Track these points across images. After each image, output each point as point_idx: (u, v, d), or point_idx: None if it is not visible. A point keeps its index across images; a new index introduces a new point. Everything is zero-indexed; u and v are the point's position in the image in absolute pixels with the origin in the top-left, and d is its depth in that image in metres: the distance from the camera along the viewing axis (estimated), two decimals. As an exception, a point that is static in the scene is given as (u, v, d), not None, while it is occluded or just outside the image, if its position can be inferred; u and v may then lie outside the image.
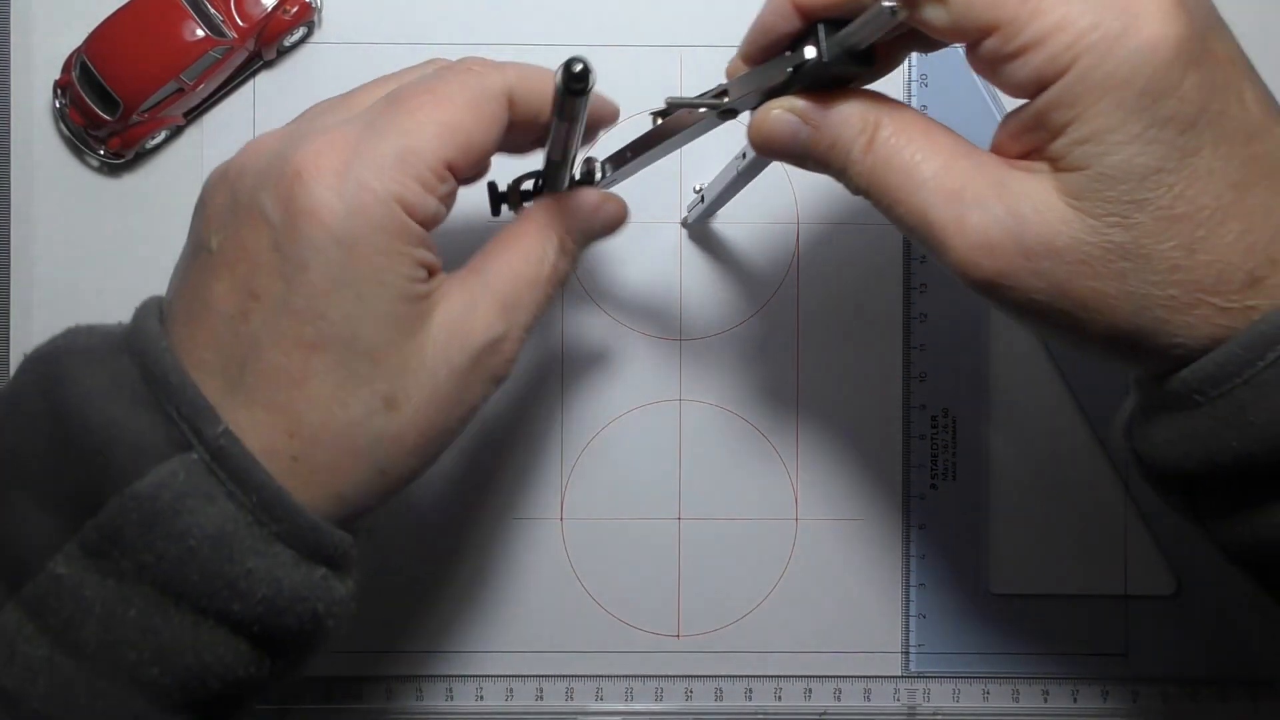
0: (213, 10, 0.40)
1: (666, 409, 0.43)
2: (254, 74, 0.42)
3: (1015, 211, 0.27)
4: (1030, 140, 0.27)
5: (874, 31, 0.27)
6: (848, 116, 0.29)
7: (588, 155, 0.34)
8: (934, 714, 0.43)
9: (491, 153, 0.31)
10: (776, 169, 0.42)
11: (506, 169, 0.34)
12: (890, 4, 0.25)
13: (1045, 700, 0.43)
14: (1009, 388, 0.43)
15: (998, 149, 0.28)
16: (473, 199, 0.43)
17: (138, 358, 0.28)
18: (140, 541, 0.27)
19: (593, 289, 0.43)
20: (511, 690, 0.43)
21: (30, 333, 0.42)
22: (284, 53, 0.42)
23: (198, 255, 0.30)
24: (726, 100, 0.31)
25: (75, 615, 0.27)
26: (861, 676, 0.43)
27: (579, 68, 0.26)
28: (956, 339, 0.43)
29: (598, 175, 0.34)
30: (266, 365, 0.28)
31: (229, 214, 0.29)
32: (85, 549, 0.27)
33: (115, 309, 0.42)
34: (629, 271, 0.43)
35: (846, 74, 0.29)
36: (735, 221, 0.43)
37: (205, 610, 0.27)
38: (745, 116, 0.31)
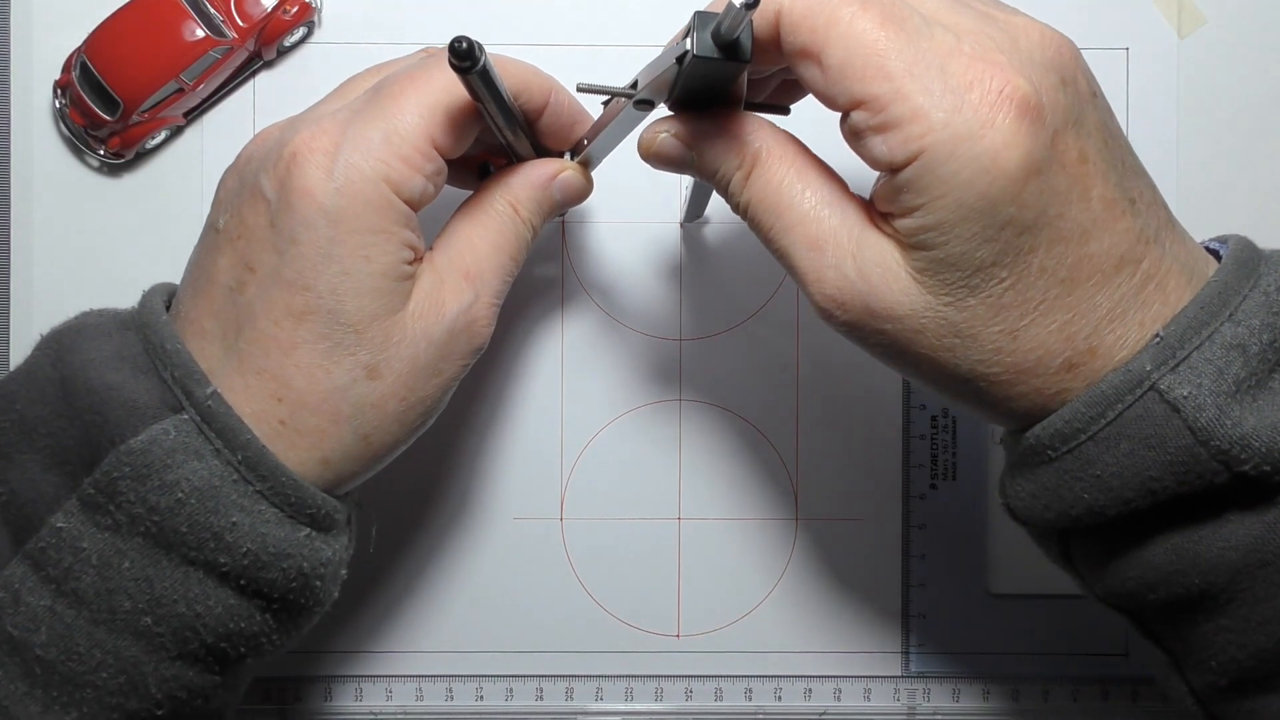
0: (213, 10, 0.40)
1: (666, 409, 0.43)
2: (254, 74, 0.42)
3: (865, 275, 0.29)
4: (889, 209, 0.28)
5: (734, 25, 0.27)
6: (728, 147, 0.30)
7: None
8: (934, 714, 0.43)
9: (474, 131, 0.33)
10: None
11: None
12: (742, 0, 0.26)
13: (1045, 700, 0.43)
14: (1009, 388, 0.43)
15: (872, 199, 0.29)
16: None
17: (141, 331, 0.31)
18: (133, 493, 0.29)
19: (593, 290, 0.43)
20: (511, 690, 0.43)
21: (30, 332, 0.42)
22: (284, 53, 0.42)
23: (208, 236, 0.32)
24: (635, 90, 0.31)
25: (74, 566, 0.29)
26: (861, 676, 0.43)
27: (463, 45, 0.28)
28: (956, 339, 0.43)
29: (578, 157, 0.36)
30: (258, 333, 0.30)
31: (235, 196, 0.32)
32: (84, 503, 0.29)
33: (115, 307, 0.42)
34: (629, 271, 0.43)
35: (725, 72, 0.29)
36: (735, 221, 0.43)
37: (194, 561, 0.29)
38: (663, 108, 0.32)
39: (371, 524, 0.38)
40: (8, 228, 0.42)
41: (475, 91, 0.30)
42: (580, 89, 0.31)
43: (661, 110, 0.32)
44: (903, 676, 0.43)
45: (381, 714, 0.43)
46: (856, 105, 0.27)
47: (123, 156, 0.42)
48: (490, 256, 0.33)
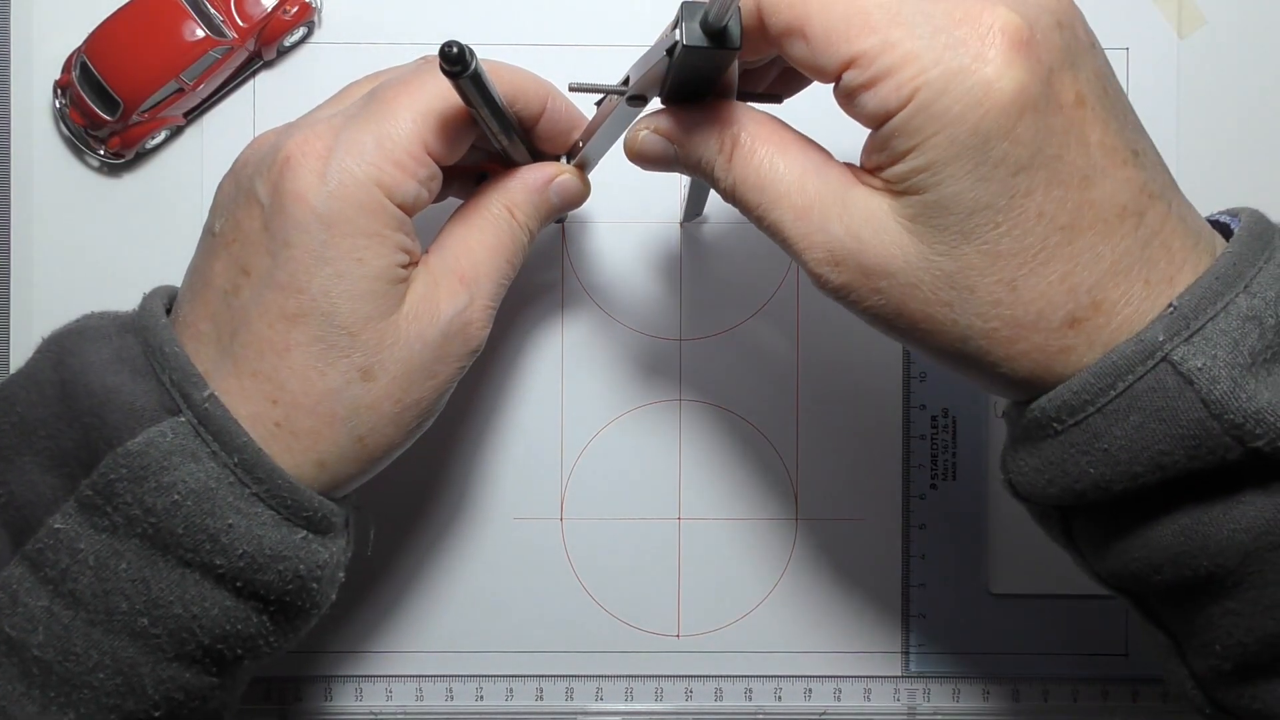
0: (213, 10, 0.40)
1: (666, 409, 0.43)
2: (254, 74, 0.42)
3: (854, 232, 0.28)
4: (877, 162, 0.28)
5: (721, 12, 0.27)
6: (707, 134, 0.30)
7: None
8: (934, 714, 0.43)
9: (469, 138, 0.33)
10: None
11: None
12: None
13: (1045, 700, 0.43)
14: (1009, 388, 0.43)
15: (862, 155, 0.29)
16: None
17: (140, 334, 0.31)
18: (130, 495, 0.29)
19: (593, 289, 0.43)
20: (511, 690, 0.43)
21: (30, 332, 0.42)
22: (284, 53, 0.42)
23: (205, 240, 0.32)
24: (627, 87, 0.31)
25: (71, 567, 0.29)
26: (861, 676, 0.43)
27: (453, 50, 0.28)
28: (956, 339, 0.43)
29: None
30: (253, 335, 0.30)
31: (231, 201, 0.32)
32: (81, 505, 0.30)
33: (115, 308, 0.42)
34: (629, 271, 0.43)
35: (716, 61, 0.29)
36: (735, 221, 0.43)
37: (190, 563, 0.29)
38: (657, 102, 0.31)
39: (370, 527, 0.38)
40: (8, 228, 0.42)
41: (467, 96, 0.30)
42: (572, 88, 0.31)
43: (656, 105, 0.32)
44: (903, 676, 0.43)
45: (381, 714, 0.43)
46: (846, 66, 0.27)
47: (123, 156, 0.42)
48: (486, 260, 0.33)
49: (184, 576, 0.29)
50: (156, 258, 0.42)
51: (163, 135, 0.42)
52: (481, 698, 0.43)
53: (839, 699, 0.43)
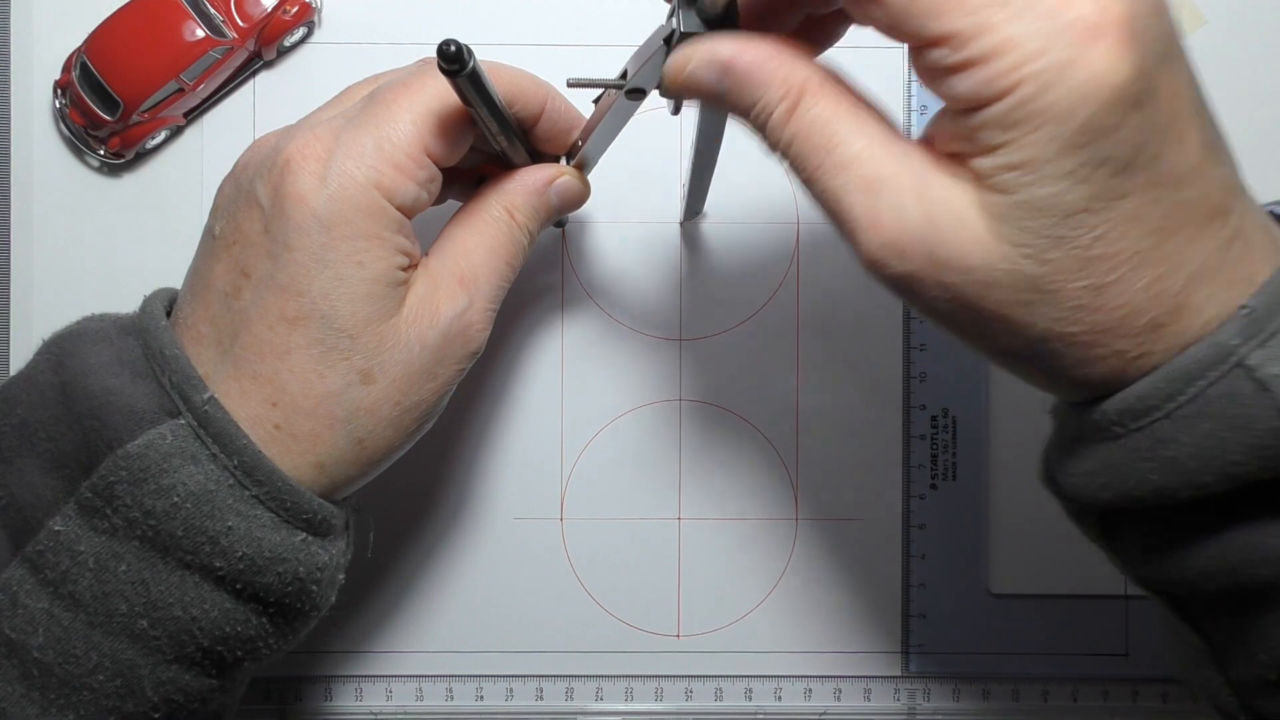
0: (213, 10, 0.40)
1: (666, 409, 0.43)
2: (254, 74, 0.42)
3: (932, 219, 0.26)
4: (960, 148, 0.26)
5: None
6: (771, 76, 0.27)
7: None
8: (934, 714, 0.43)
9: (468, 139, 0.33)
10: (775, 166, 0.42)
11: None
12: None
13: (1045, 700, 0.43)
14: (1009, 388, 0.43)
15: (929, 140, 0.27)
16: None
17: (140, 336, 0.31)
18: (130, 497, 0.29)
19: (593, 289, 0.43)
20: (511, 690, 0.43)
21: (30, 333, 0.42)
22: (284, 53, 0.42)
23: (205, 242, 0.32)
24: (626, 80, 0.31)
25: (71, 569, 0.29)
26: (861, 676, 0.43)
27: (451, 49, 0.28)
28: (956, 339, 0.43)
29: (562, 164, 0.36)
30: (253, 338, 0.30)
31: (231, 203, 0.32)
32: (81, 507, 0.30)
33: (115, 308, 0.42)
34: (629, 271, 0.43)
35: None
36: (735, 221, 0.43)
37: (190, 565, 0.29)
38: (655, 96, 0.31)
39: (369, 529, 0.38)
40: (8, 228, 0.42)
41: (465, 95, 0.30)
42: (570, 84, 0.31)
43: (654, 98, 0.31)
44: (903, 676, 0.43)
45: (381, 714, 0.43)
46: (933, 43, 0.25)
47: (123, 156, 0.42)
48: (485, 262, 0.33)
49: (184, 578, 0.29)
50: (156, 258, 0.42)
51: (163, 135, 0.42)
52: (481, 698, 0.43)
53: (839, 699, 0.43)
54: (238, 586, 0.30)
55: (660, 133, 0.42)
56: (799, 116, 0.27)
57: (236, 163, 0.33)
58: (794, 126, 0.27)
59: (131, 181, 0.42)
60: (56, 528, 0.29)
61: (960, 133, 0.25)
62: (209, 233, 0.32)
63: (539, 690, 0.43)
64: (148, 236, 0.42)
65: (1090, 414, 0.27)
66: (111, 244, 0.42)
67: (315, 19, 0.42)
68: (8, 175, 0.42)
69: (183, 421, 0.30)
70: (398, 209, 0.31)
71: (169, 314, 0.32)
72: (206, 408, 0.30)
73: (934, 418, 0.43)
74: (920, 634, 0.43)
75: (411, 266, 0.32)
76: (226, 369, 0.30)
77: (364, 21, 0.42)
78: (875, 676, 0.43)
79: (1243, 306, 0.25)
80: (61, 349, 0.31)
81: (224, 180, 0.33)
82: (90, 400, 0.30)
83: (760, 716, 0.43)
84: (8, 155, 0.42)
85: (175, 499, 0.29)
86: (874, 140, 0.27)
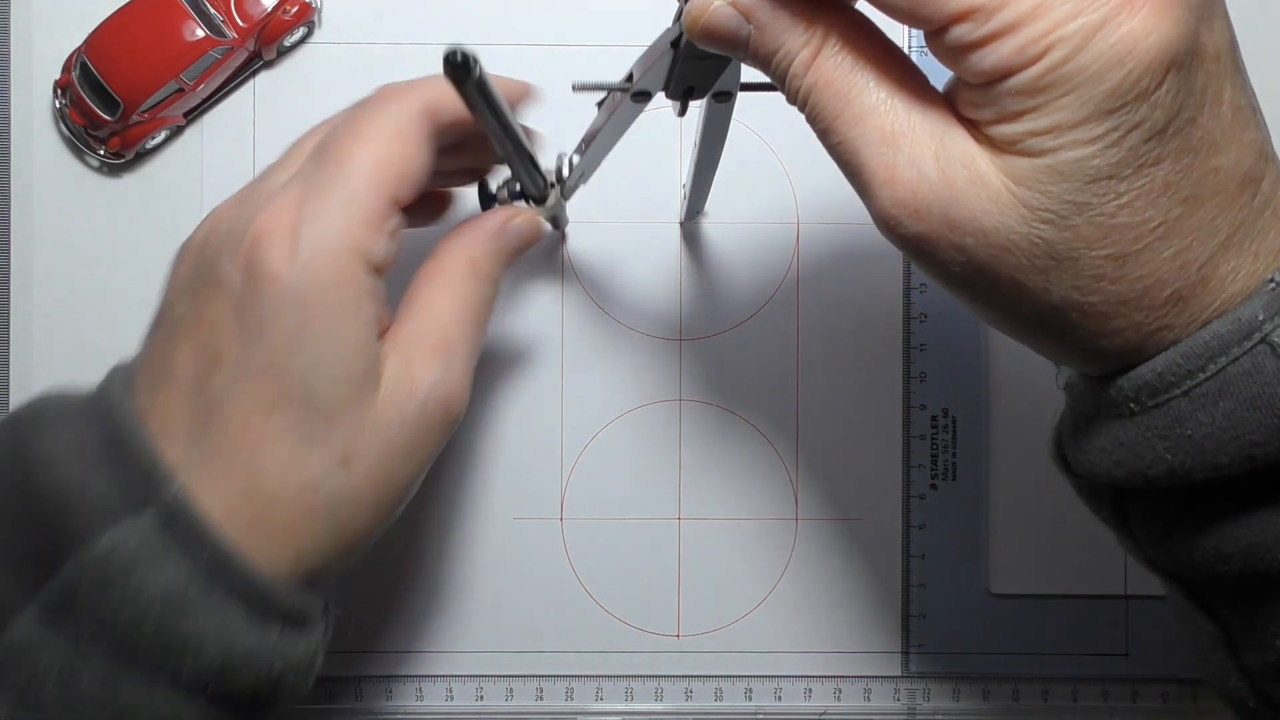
0: (213, 10, 0.40)
1: (666, 409, 0.43)
2: (254, 74, 0.42)
3: (949, 179, 0.25)
4: (978, 115, 0.25)
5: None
6: (794, 22, 0.26)
7: (560, 151, 0.35)
8: (934, 714, 0.43)
9: (429, 172, 0.31)
10: (775, 166, 0.42)
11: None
12: None
13: (1045, 700, 0.43)
14: (1009, 388, 0.43)
15: (951, 94, 0.26)
16: (463, 207, 0.43)
17: (102, 421, 0.29)
18: (96, 603, 0.27)
19: (593, 289, 0.43)
20: (511, 690, 0.43)
21: (30, 333, 0.42)
22: (284, 53, 0.42)
23: (164, 323, 0.31)
24: (632, 84, 0.31)
25: (34, 679, 0.27)
26: (861, 676, 0.43)
27: (457, 57, 0.27)
28: (956, 339, 0.43)
29: (565, 170, 0.35)
30: (226, 426, 0.28)
31: (192, 283, 0.30)
32: (44, 609, 0.27)
33: (115, 309, 0.42)
34: (629, 271, 0.43)
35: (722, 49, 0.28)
36: (735, 221, 0.43)
37: (159, 671, 0.27)
38: (661, 99, 0.31)
39: (350, 613, 0.37)
40: (8, 228, 0.42)
41: (472, 104, 0.30)
42: (576, 88, 0.31)
43: (660, 100, 0.31)
44: (903, 676, 0.43)
45: (382, 714, 0.43)
46: (956, 19, 0.24)
47: (123, 156, 0.42)
48: (456, 324, 0.32)
49: (153, 689, 0.27)
50: (156, 257, 0.42)
51: (163, 135, 0.42)
52: (481, 698, 0.43)
53: (839, 699, 0.43)
54: (210, 691, 0.28)
55: (660, 133, 0.42)
56: (819, 64, 0.26)
57: (192, 238, 0.31)
58: (814, 74, 0.26)
59: (131, 181, 0.42)
60: (17, 632, 0.27)
61: (981, 100, 0.24)
62: (167, 313, 0.31)
63: (539, 690, 0.43)
64: (148, 236, 0.42)
65: (1105, 390, 0.26)
66: (111, 244, 0.42)
67: (315, 19, 0.42)
68: (8, 175, 0.42)
69: (148, 518, 0.27)
70: (373, 268, 0.30)
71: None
72: (174, 501, 0.28)
73: (934, 418, 0.43)
74: (920, 634, 0.43)
75: (384, 333, 0.31)
76: (197, 458, 0.28)
77: (364, 21, 0.42)
78: (875, 676, 0.43)
79: (1270, 280, 0.24)
80: (18, 432, 0.29)
81: (179, 255, 0.31)
82: (52, 494, 0.28)
83: (760, 716, 0.43)
84: (8, 155, 0.42)
85: (142, 604, 0.27)
86: (896, 92, 0.26)
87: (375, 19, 0.42)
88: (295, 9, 0.41)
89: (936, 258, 0.25)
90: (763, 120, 0.42)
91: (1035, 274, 0.25)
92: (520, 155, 0.34)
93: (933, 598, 0.43)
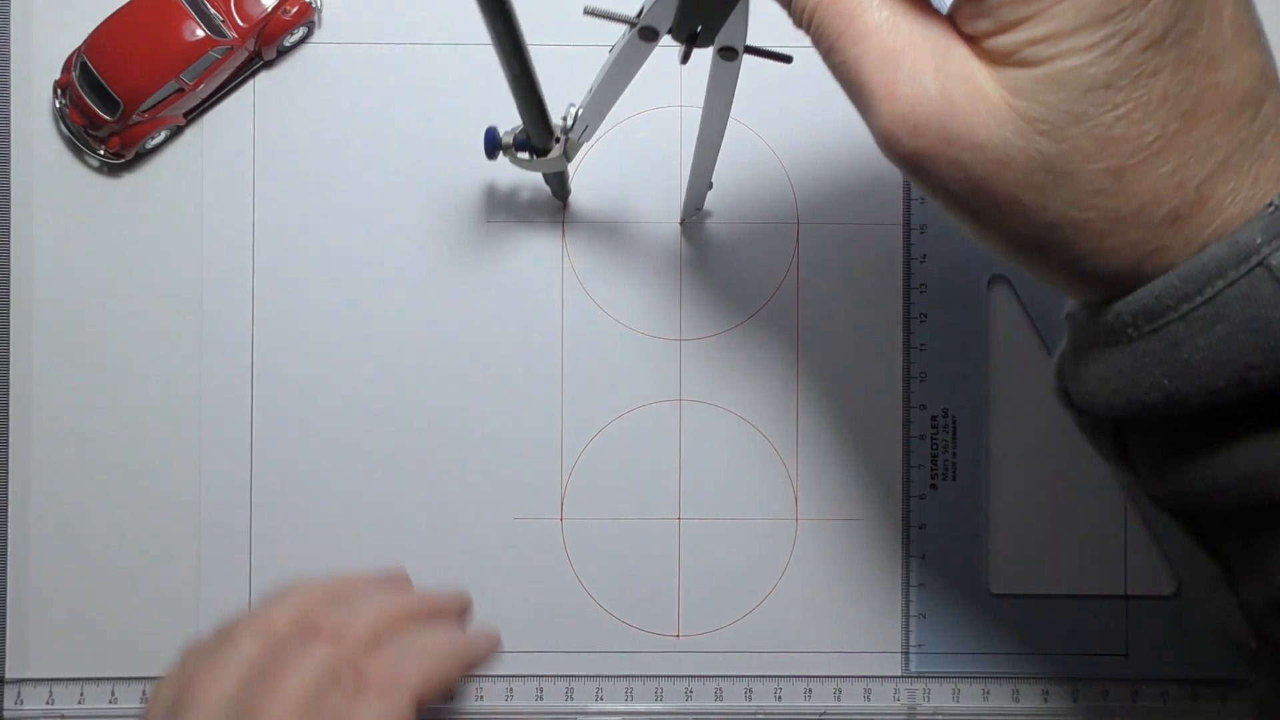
0: (213, 10, 0.40)
1: (666, 409, 0.43)
2: (254, 74, 0.42)
3: (947, 93, 0.25)
4: (974, 28, 0.25)
5: None
6: None
7: (569, 103, 0.35)
8: (934, 714, 0.43)
9: None
10: (775, 166, 0.42)
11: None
12: None
13: (1045, 700, 0.43)
14: (1009, 388, 0.43)
15: (953, 12, 0.26)
16: (464, 207, 0.43)
17: None
18: None
19: (593, 289, 0.43)
20: (511, 690, 0.43)
21: (30, 333, 0.42)
22: (284, 53, 0.42)
23: None
24: (642, 18, 0.31)
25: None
26: (861, 676, 0.43)
27: None
28: (956, 339, 0.43)
29: (570, 120, 0.35)
30: None
31: None
32: None
33: (115, 309, 0.42)
34: (629, 271, 0.43)
35: None
36: (735, 221, 0.43)
37: None
38: (668, 40, 0.31)
39: None
40: (8, 228, 0.42)
41: (494, 27, 0.29)
42: (587, 12, 0.30)
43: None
44: (903, 676, 0.43)
45: (381, 714, 0.43)
46: None
47: (123, 156, 0.42)
48: None
49: None
50: (156, 258, 0.42)
51: (163, 135, 0.42)
52: (481, 698, 0.43)
53: (839, 699, 0.43)
54: None
55: (660, 133, 0.42)
56: None
57: (159, 694, 0.32)
58: None
59: (131, 181, 0.42)
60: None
61: (979, 12, 0.25)
62: None
63: (539, 690, 0.43)
64: (148, 236, 0.42)
65: (1103, 315, 0.26)
66: (111, 244, 0.42)
67: (315, 19, 0.42)
68: (8, 175, 0.42)
69: None
70: None
71: None
72: None
73: (934, 418, 0.43)
74: (920, 634, 0.43)
75: None
76: None
77: (364, 21, 0.42)
78: (875, 676, 0.43)
79: (1269, 204, 0.24)
80: None
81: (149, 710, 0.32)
82: None
83: (760, 716, 0.43)
84: (8, 155, 0.42)
85: None
86: (898, 10, 0.26)
87: (375, 19, 0.42)
88: (295, 9, 0.41)
89: (935, 175, 0.25)
90: (763, 120, 0.42)
91: (1032, 190, 0.25)
92: (532, 101, 0.33)
93: (933, 598, 0.43)
